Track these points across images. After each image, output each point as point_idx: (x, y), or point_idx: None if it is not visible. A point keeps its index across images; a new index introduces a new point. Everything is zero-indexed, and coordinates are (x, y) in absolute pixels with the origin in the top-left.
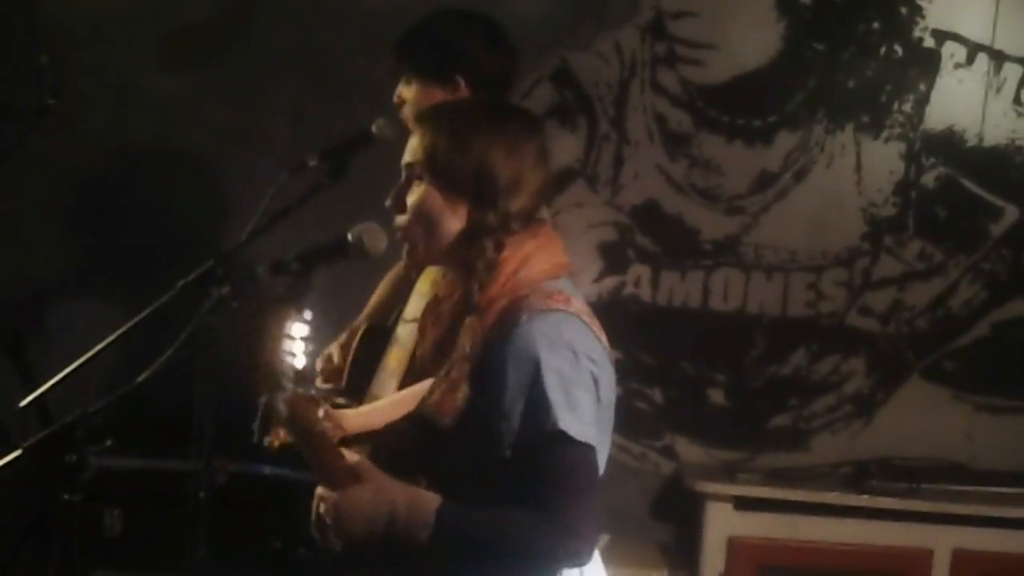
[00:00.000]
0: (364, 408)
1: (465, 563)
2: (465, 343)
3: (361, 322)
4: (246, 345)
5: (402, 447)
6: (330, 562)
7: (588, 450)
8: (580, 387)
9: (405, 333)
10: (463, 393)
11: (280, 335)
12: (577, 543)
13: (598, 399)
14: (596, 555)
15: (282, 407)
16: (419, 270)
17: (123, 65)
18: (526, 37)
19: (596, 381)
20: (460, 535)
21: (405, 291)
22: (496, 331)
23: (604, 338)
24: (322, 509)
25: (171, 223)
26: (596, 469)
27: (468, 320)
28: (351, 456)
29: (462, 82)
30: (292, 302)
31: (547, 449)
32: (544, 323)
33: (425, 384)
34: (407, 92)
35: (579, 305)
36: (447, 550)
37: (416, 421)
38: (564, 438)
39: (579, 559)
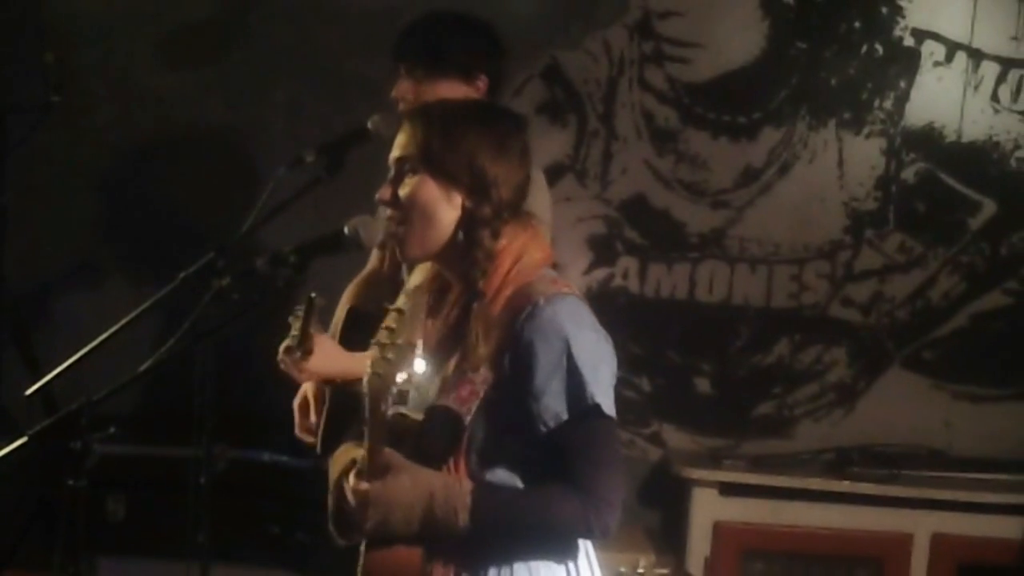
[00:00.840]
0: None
1: (500, 542)
2: (477, 332)
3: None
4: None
5: (423, 442)
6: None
7: (615, 424)
8: (604, 363)
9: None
10: (481, 380)
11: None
12: (609, 514)
13: (614, 375)
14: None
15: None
16: (411, 264)
17: (126, 64)
18: (518, 36)
19: (614, 360)
20: (497, 515)
21: (387, 287)
22: (510, 316)
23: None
24: (352, 499)
25: (173, 217)
26: (620, 443)
27: (475, 309)
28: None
29: (485, 79)
30: None
31: (583, 423)
32: (564, 305)
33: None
34: (408, 86)
35: (579, 291)
36: (484, 531)
37: (438, 417)
38: (599, 412)
39: (609, 530)
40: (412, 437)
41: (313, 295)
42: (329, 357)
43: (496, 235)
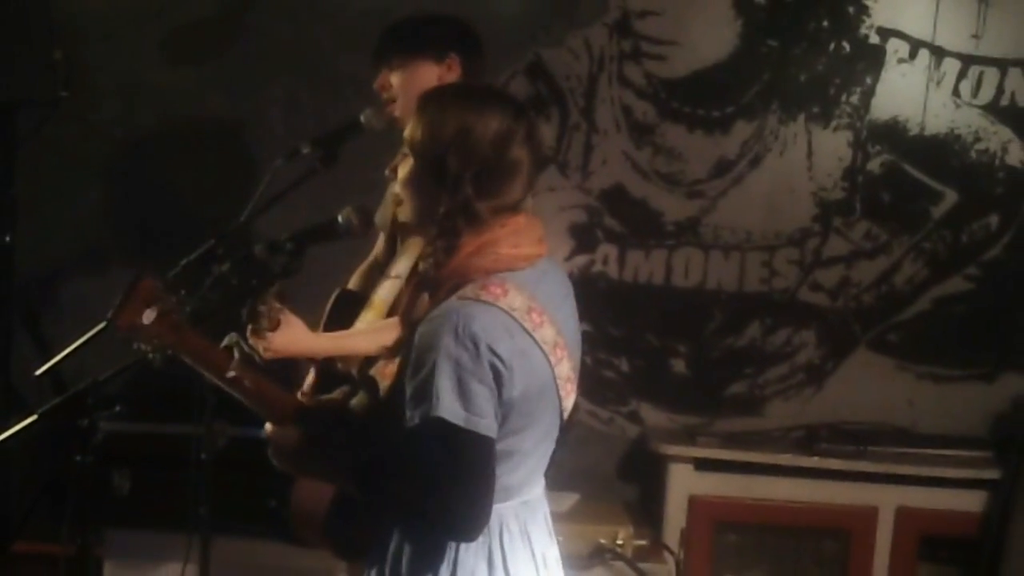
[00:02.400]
0: (342, 333)
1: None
2: (412, 317)
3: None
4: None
5: (351, 402)
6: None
7: (476, 439)
8: (475, 379)
9: (386, 289)
10: (397, 363)
11: (139, 295)
12: (452, 521)
13: (499, 394)
14: (520, 527)
15: (160, 358)
16: (403, 237)
17: (130, 61)
18: (503, 34)
19: (499, 375)
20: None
21: (379, 272)
22: (428, 310)
23: (544, 332)
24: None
25: (174, 206)
26: (485, 457)
27: (423, 296)
28: (299, 398)
29: (456, 57)
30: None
31: (425, 433)
32: (460, 312)
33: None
34: (394, 79)
35: (516, 300)
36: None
37: (365, 381)
38: (442, 425)
39: (460, 536)
40: (349, 393)
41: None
42: (294, 334)
43: (457, 230)
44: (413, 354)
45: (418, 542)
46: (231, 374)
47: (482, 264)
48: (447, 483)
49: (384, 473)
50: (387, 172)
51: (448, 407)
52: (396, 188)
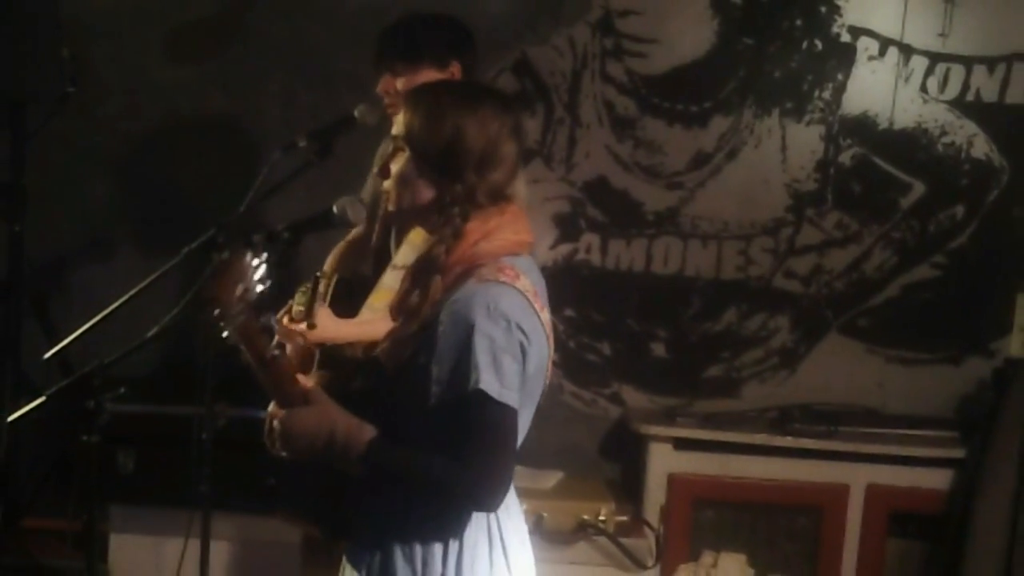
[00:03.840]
0: (362, 319)
1: (390, 492)
2: (422, 301)
3: (325, 275)
4: (206, 282)
5: (352, 385)
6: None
7: (508, 411)
8: (508, 354)
9: (391, 278)
10: (410, 346)
11: (235, 271)
12: (484, 493)
13: (524, 368)
14: (516, 504)
15: (234, 335)
16: (400, 228)
17: (135, 58)
18: (491, 33)
19: (524, 352)
20: (387, 467)
21: (364, 248)
22: (449, 292)
23: (545, 315)
24: (274, 424)
25: (177, 196)
26: (514, 430)
27: (434, 280)
28: (305, 382)
29: (458, 64)
30: (251, 247)
31: (468, 405)
32: (487, 292)
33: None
34: (399, 85)
35: (526, 283)
36: (374, 477)
37: (368, 363)
38: (484, 397)
39: (486, 507)
40: (350, 375)
41: (319, 274)
42: (329, 327)
43: (466, 216)
44: (443, 335)
45: (430, 517)
46: (274, 353)
47: (490, 249)
48: (481, 453)
49: (414, 448)
50: (375, 170)
51: (487, 380)
52: (387, 184)
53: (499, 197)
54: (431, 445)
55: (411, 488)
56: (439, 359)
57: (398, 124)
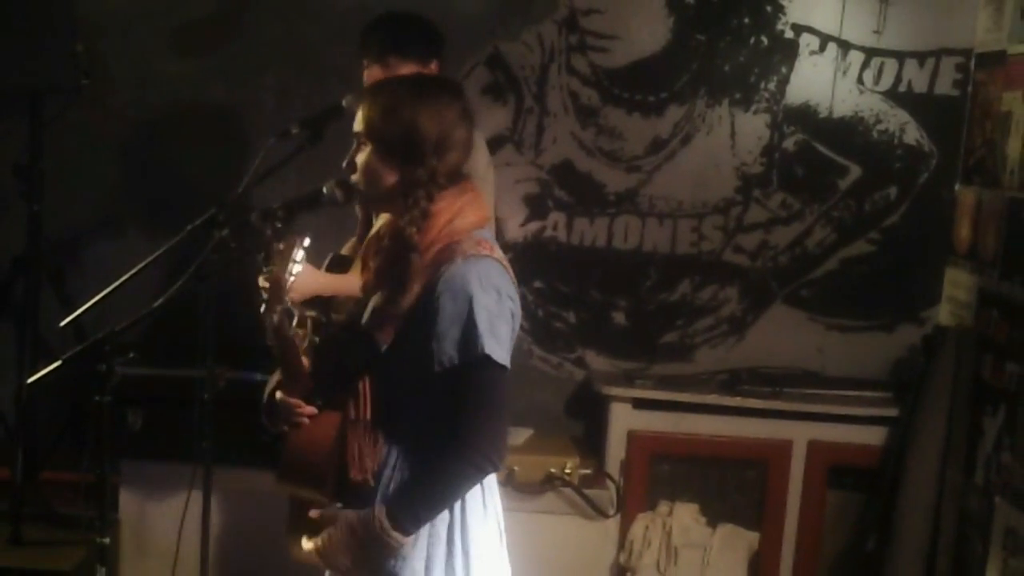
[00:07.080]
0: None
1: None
2: (407, 278)
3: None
4: (267, 266)
5: (345, 359)
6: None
7: (504, 372)
8: (502, 320)
9: None
10: (401, 318)
11: (289, 258)
12: (493, 450)
13: (513, 330)
14: (494, 485)
15: (275, 317)
16: (376, 213)
17: (143, 52)
18: (466, 30)
19: (513, 316)
20: (414, 511)
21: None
22: (434, 269)
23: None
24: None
25: (182, 179)
26: (507, 390)
27: (413, 258)
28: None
29: (436, 62)
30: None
31: (473, 370)
32: (477, 266)
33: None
34: (378, 72)
35: (500, 253)
36: (412, 527)
37: (359, 337)
38: (489, 361)
39: (498, 464)
40: (336, 353)
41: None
42: (306, 277)
43: (431, 197)
44: (443, 308)
45: (432, 480)
46: (294, 332)
47: (464, 225)
48: (487, 411)
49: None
50: (344, 166)
51: (491, 346)
52: (355, 177)
53: (458, 177)
54: (430, 414)
55: (440, 502)
56: (437, 329)
57: (358, 121)
